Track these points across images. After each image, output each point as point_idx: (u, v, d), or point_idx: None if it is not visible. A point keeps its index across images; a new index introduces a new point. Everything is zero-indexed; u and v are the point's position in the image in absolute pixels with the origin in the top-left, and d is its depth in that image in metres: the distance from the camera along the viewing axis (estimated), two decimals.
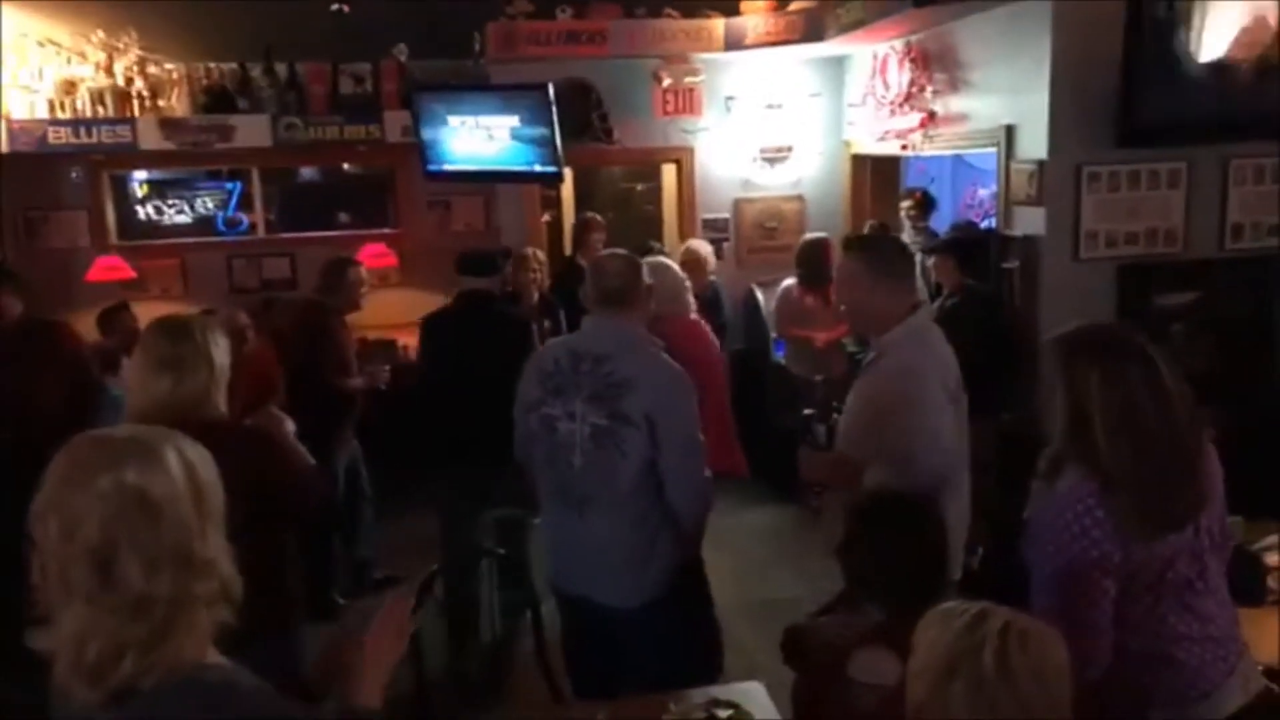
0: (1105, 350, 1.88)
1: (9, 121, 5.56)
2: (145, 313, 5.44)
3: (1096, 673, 1.85)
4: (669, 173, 6.69)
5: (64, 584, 1.19)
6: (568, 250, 6.43)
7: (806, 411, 4.88)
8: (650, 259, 4.03)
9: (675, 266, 4.13)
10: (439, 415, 3.90)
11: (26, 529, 1.22)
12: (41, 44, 5.65)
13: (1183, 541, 1.90)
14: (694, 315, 4.07)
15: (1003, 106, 4.67)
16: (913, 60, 5.31)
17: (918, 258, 5.52)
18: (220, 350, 2.34)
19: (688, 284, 4.02)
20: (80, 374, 4.55)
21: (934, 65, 5.21)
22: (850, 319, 2.99)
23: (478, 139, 5.42)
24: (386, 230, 6.79)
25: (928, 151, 5.48)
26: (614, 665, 2.89)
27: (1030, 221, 4.51)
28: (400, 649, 1.57)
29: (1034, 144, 4.43)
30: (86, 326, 4.77)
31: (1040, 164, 4.37)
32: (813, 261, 5.19)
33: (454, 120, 5.46)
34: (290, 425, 2.61)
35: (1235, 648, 1.98)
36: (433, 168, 5.72)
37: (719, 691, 2.25)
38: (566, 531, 2.77)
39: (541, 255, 5.38)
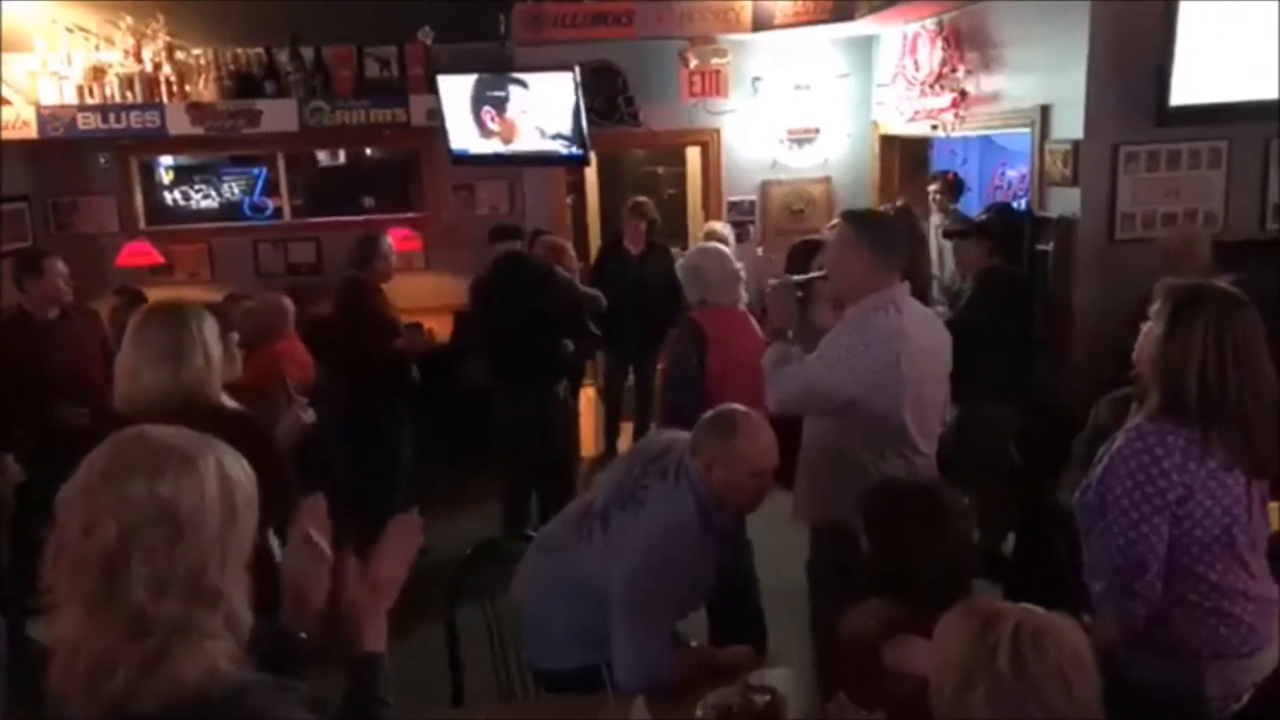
0: (1215, 301, 1.99)
1: (39, 108, 5.60)
2: (175, 296, 5.52)
3: (1143, 611, 1.97)
4: (694, 155, 6.63)
5: (72, 579, 1.15)
6: (595, 233, 6.37)
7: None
8: (702, 244, 3.92)
9: (728, 252, 3.68)
10: (493, 345, 4.70)
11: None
12: (70, 30, 5.68)
13: (1240, 493, 1.99)
14: (742, 307, 3.63)
15: (1038, 86, 4.58)
16: (945, 39, 5.22)
17: (948, 243, 5.44)
18: (213, 338, 2.41)
19: (741, 273, 3.60)
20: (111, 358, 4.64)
21: (966, 44, 5.12)
22: (832, 282, 2.94)
23: (503, 122, 5.40)
24: (411, 214, 6.78)
25: (959, 132, 5.39)
26: None
27: (1065, 202, 4.43)
28: (401, 579, 1.52)
29: (1069, 124, 4.35)
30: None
31: (1076, 144, 4.29)
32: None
33: (479, 103, 5.43)
34: (308, 416, 2.73)
35: (1276, 610, 2.09)
36: (458, 151, 5.70)
37: (754, 677, 2.23)
38: None
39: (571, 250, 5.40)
